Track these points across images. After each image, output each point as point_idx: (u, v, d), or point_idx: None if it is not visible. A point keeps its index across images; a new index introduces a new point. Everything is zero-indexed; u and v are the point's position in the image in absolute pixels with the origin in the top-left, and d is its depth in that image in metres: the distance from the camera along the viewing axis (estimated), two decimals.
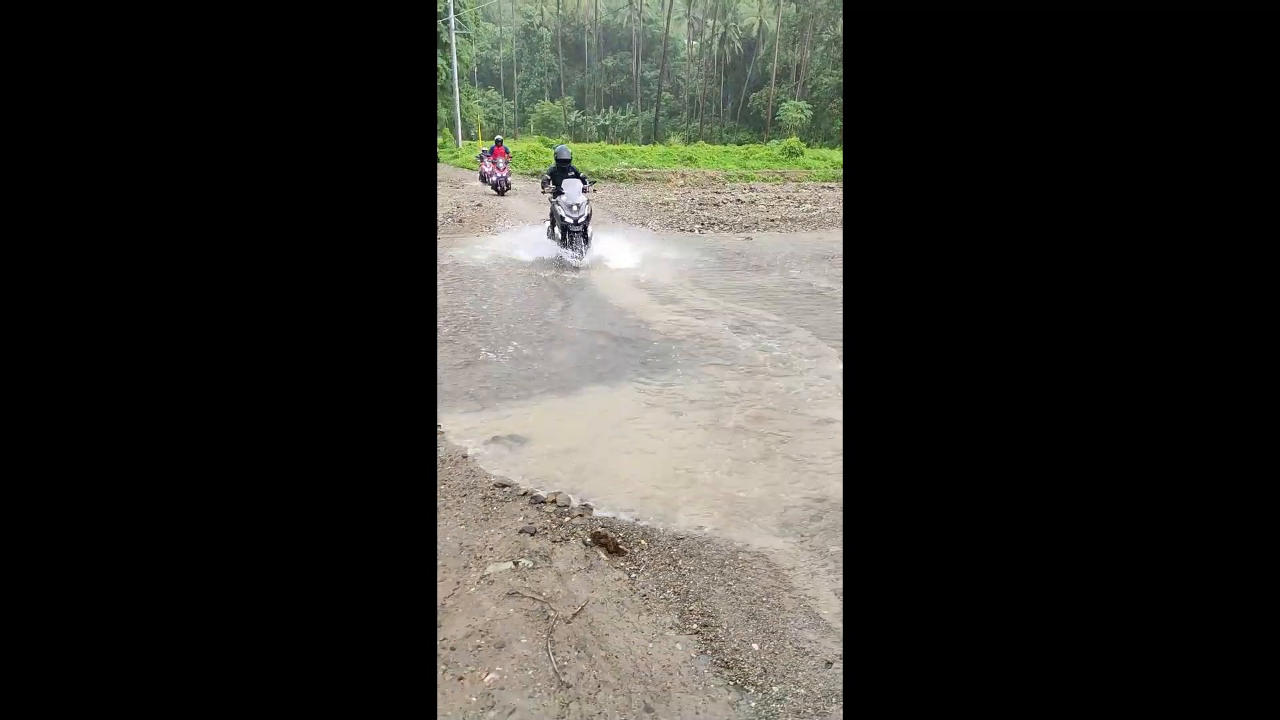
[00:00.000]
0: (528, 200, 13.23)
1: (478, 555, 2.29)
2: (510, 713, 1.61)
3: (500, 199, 14.00)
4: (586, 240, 7.44)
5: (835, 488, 2.85)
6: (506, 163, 14.86)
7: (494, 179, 14.67)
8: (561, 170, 7.77)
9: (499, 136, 16.54)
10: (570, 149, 8.58)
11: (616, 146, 25.21)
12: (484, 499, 2.71)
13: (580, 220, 7.37)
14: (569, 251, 7.38)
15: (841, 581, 2.23)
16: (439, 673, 1.71)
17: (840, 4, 35.68)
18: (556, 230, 7.62)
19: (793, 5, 37.42)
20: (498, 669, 1.74)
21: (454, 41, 27.55)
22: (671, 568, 2.28)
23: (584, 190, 7.55)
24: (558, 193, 7.53)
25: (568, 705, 1.64)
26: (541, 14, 47.39)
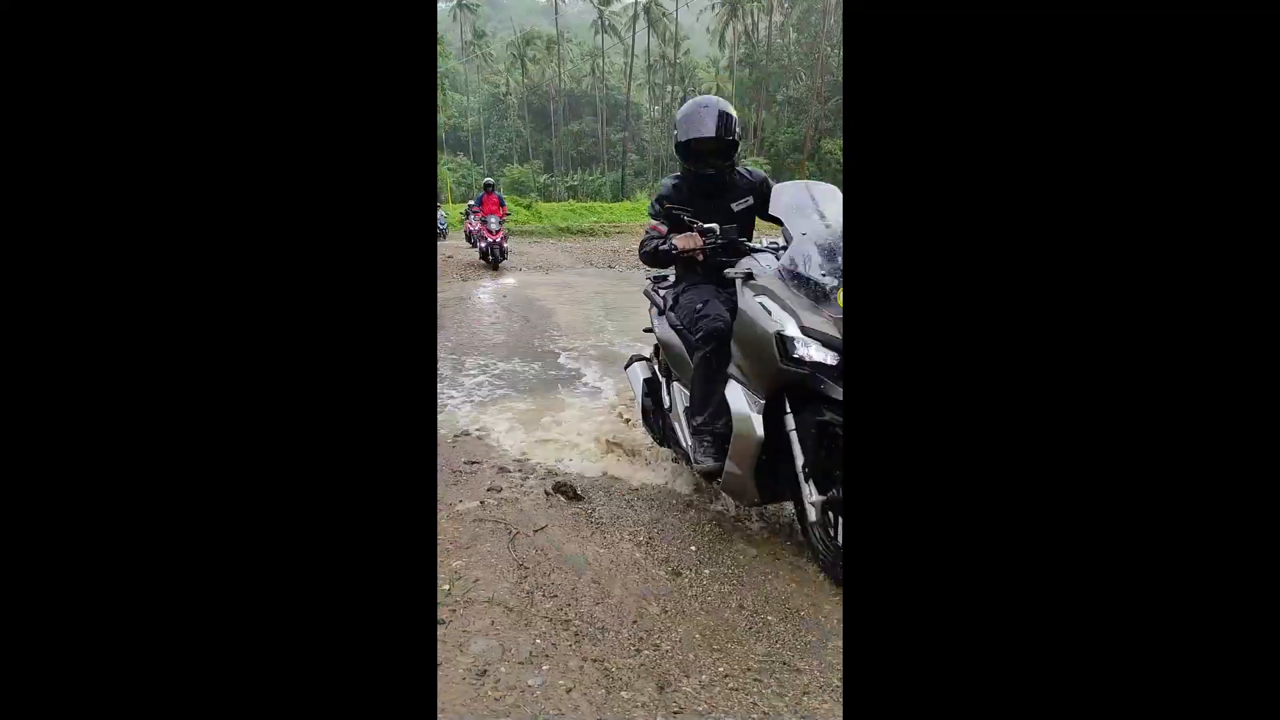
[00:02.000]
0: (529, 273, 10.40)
1: (446, 502, 2.55)
2: (474, 581, 1.87)
3: (490, 274, 10.24)
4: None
5: None
6: (501, 221, 10.75)
7: (483, 244, 10.64)
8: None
9: (488, 180, 11.95)
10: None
11: (585, 204, 26.09)
12: (454, 472, 2.97)
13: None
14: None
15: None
16: None
17: (793, 67, 37.85)
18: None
19: (746, 69, 39.63)
20: (464, 559, 2.01)
21: None
22: (627, 507, 2.57)
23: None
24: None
25: (524, 580, 1.91)
26: (508, 84, 49.40)
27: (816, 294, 1.79)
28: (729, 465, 2.03)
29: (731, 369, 2.06)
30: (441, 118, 37.45)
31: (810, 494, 1.86)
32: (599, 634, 1.68)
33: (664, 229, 2.32)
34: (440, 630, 1.65)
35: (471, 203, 12.43)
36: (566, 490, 2.65)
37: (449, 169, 38.45)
